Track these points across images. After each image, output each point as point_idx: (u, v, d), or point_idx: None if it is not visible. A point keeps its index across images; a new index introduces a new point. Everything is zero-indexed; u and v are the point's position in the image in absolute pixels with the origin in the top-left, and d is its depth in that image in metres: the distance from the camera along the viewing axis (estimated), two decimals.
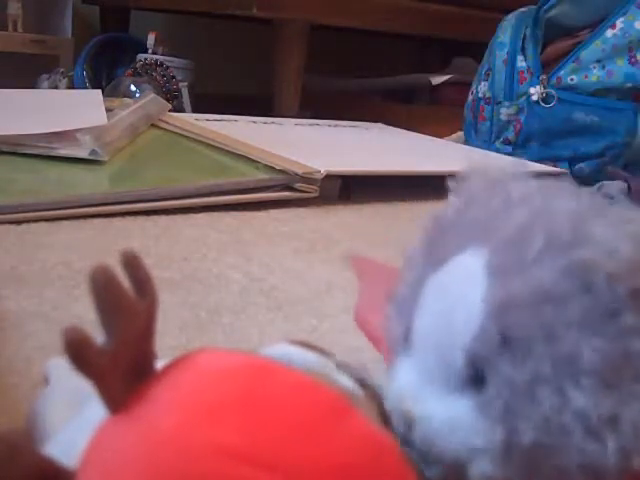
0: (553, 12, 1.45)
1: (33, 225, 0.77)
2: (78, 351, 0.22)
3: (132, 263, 0.24)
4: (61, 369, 0.38)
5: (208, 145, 1.11)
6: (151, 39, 1.73)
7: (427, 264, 0.27)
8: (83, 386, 0.34)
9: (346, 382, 0.26)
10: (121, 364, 0.23)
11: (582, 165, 1.42)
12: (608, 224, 0.24)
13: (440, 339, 0.25)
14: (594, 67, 1.38)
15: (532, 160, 1.35)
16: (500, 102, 1.46)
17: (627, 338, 0.23)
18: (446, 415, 0.25)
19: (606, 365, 0.23)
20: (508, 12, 1.53)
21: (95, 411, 0.25)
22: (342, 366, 0.27)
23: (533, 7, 1.47)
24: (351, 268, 0.34)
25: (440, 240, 0.27)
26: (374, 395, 0.27)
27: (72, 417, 0.30)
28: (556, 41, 1.45)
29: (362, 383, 0.26)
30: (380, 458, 0.23)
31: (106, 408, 0.24)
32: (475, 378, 0.25)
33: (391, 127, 1.56)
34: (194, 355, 0.25)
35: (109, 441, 0.23)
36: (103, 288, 0.23)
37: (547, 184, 0.27)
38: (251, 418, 0.22)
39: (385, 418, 0.27)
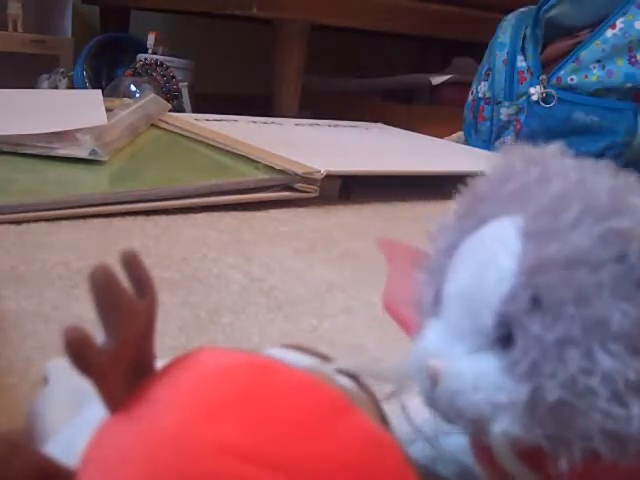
0: (553, 12, 1.45)
1: (33, 225, 0.77)
2: (79, 350, 0.22)
3: (132, 263, 0.24)
4: (60, 369, 0.38)
5: (208, 145, 1.11)
6: (151, 39, 1.73)
7: (460, 231, 0.28)
8: (82, 386, 0.34)
9: (345, 382, 0.26)
10: (121, 364, 0.23)
11: None
12: None
13: (470, 299, 0.26)
14: (594, 67, 1.38)
15: None
16: (500, 102, 1.46)
17: None
18: (472, 372, 0.25)
19: (635, 330, 0.23)
20: (508, 12, 1.52)
21: (95, 411, 0.25)
22: (338, 368, 0.27)
23: (533, 7, 1.47)
24: (381, 251, 0.34)
25: (474, 209, 0.28)
26: (372, 395, 0.27)
27: (72, 417, 0.30)
28: (556, 41, 1.45)
29: (360, 384, 0.27)
30: (382, 457, 0.23)
31: (106, 407, 0.24)
32: (504, 338, 0.25)
33: (391, 127, 1.56)
34: (194, 354, 0.25)
35: (109, 440, 0.23)
36: (103, 288, 0.23)
37: (585, 162, 0.28)
38: (252, 417, 0.22)
39: (383, 419, 0.27)
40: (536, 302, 0.24)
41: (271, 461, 0.21)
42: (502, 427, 0.25)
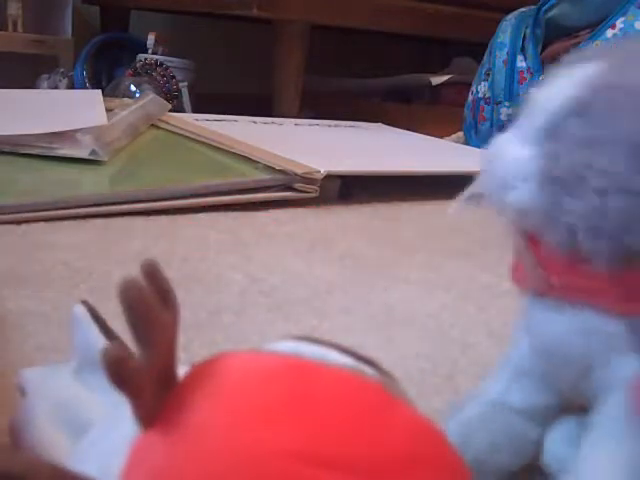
0: (553, 12, 1.45)
1: (33, 225, 0.77)
2: (119, 369, 0.21)
3: (153, 273, 0.24)
4: (37, 380, 0.37)
5: (208, 145, 1.11)
6: (151, 39, 1.73)
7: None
8: (63, 398, 0.34)
9: (372, 372, 0.25)
10: (154, 376, 0.23)
11: None
12: None
13: (539, 106, 0.32)
14: None
15: None
16: (500, 102, 1.46)
17: None
18: (514, 154, 0.32)
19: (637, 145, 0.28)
20: (508, 12, 1.52)
21: (123, 427, 0.25)
22: (353, 355, 0.26)
23: (533, 7, 1.47)
24: None
25: (578, 60, 0.33)
26: (398, 384, 0.27)
27: (90, 436, 0.29)
28: (556, 41, 1.45)
29: (382, 372, 0.26)
30: (433, 446, 0.23)
31: (139, 422, 0.23)
32: (547, 136, 0.31)
33: (391, 127, 1.56)
34: (219, 361, 0.25)
35: (153, 457, 0.22)
36: (135, 302, 0.22)
37: None
38: (303, 417, 0.22)
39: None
40: (580, 112, 0.30)
41: (329, 461, 0.21)
42: (516, 195, 0.31)
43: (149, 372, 0.23)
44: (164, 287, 0.24)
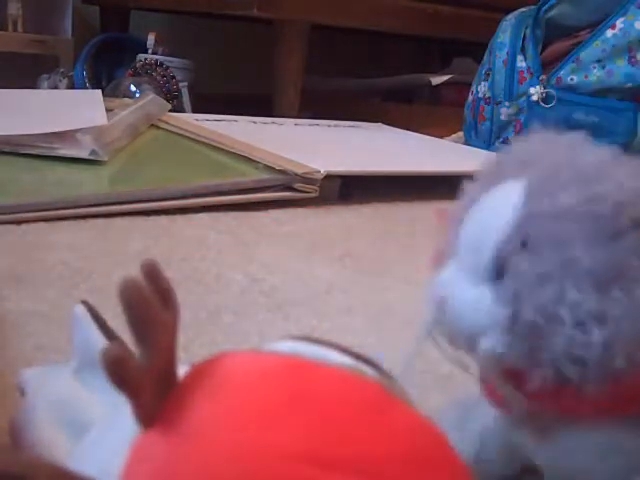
0: (553, 12, 1.45)
1: (33, 225, 0.77)
2: (119, 369, 0.21)
3: (153, 273, 0.24)
4: (37, 380, 0.37)
5: (208, 145, 1.11)
6: (151, 39, 1.73)
7: (480, 189, 0.33)
8: (64, 398, 0.33)
9: (370, 372, 0.25)
10: (154, 376, 0.23)
11: None
12: (626, 168, 0.30)
13: (476, 241, 0.31)
14: (594, 67, 1.38)
15: None
16: (500, 102, 1.46)
17: (622, 255, 0.28)
18: (470, 299, 0.31)
19: (600, 272, 0.28)
20: (508, 12, 1.52)
21: (122, 427, 0.25)
22: (353, 354, 0.26)
23: (533, 7, 1.47)
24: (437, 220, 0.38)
25: (495, 172, 0.33)
26: (397, 383, 0.27)
27: (86, 434, 0.29)
28: (556, 41, 1.45)
29: (381, 371, 0.26)
30: (432, 446, 0.23)
31: (139, 423, 0.23)
32: (497, 272, 0.30)
33: (391, 127, 1.56)
34: (219, 361, 0.25)
35: (153, 457, 0.22)
36: (135, 303, 0.22)
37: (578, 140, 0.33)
38: (303, 418, 0.22)
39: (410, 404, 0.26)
40: (524, 245, 0.29)
41: (329, 461, 0.21)
42: (488, 344, 0.30)
43: (149, 372, 0.22)
44: (164, 287, 0.24)
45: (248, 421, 0.22)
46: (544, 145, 0.33)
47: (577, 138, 0.33)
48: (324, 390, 0.23)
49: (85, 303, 0.36)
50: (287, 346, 0.26)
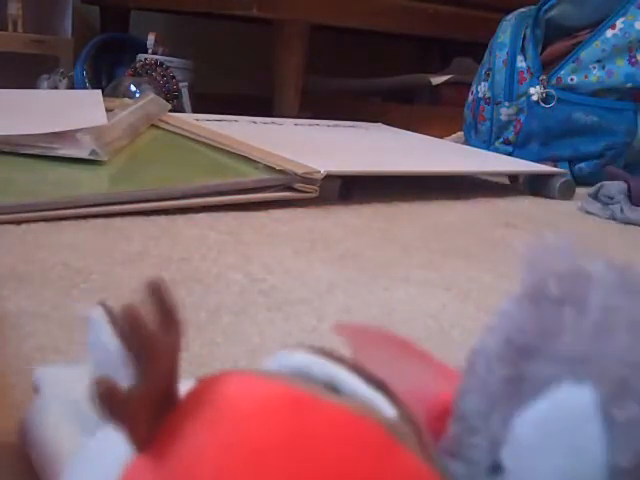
0: (553, 12, 1.45)
1: (33, 225, 0.77)
2: (110, 401, 0.21)
3: (159, 293, 0.24)
4: (52, 378, 0.37)
5: (208, 145, 1.11)
6: (151, 39, 1.73)
7: (510, 389, 0.24)
8: (79, 397, 0.33)
9: (385, 407, 0.25)
10: (148, 403, 0.23)
11: (582, 165, 1.42)
12: None
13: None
14: (594, 67, 1.38)
15: (532, 160, 1.35)
16: (500, 102, 1.46)
17: None
18: None
19: None
20: (508, 12, 1.53)
21: (118, 446, 0.24)
22: (364, 375, 0.26)
23: (533, 7, 1.48)
24: (342, 336, 0.32)
25: (525, 365, 0.24)
26: (415, 422, 0.25)
27: (83, 445, 0.29)
28: (556, 41, 1.45)
29: (392, 397, 0.25)
30: None
31: (132, 447, 0.23)
32: None
33: (391, 127, 1.56)
34: (219, 382, 0.24)
35: None
36: (130, 329, 0.22)
37: (626, 279, 0.24)
38: (293, 462, 0.21)
39: (426, 448, 0.25)
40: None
41: None
42: None
43: (142, 399, 0.22)
44: (168, 307, 0.24)
45: (235, 463, 0.21)
46: (573, 309, 0.24)
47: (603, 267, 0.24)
48: (322, 432, 0.22)
49: (103, 305, 0.36)
50: (298, 360, 0.26)
